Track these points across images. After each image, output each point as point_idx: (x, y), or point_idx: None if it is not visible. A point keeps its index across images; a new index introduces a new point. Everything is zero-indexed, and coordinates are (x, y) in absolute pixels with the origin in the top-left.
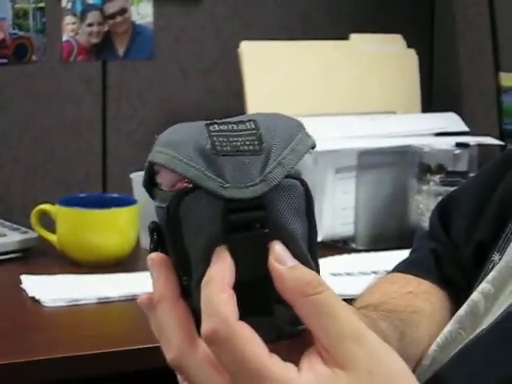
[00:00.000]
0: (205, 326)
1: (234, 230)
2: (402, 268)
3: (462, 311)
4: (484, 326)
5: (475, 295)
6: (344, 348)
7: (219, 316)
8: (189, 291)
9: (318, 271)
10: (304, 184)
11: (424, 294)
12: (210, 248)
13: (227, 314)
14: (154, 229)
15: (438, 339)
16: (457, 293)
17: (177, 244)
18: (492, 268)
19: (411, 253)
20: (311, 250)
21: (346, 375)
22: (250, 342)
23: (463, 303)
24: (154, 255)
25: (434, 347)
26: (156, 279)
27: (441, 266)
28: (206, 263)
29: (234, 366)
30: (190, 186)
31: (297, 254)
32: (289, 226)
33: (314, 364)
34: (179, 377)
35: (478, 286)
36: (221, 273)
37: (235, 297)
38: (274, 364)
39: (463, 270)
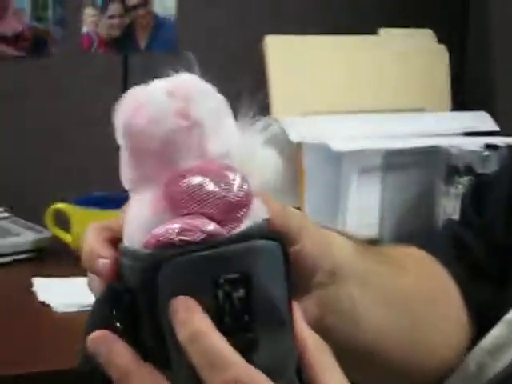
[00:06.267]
0: (223, 378)
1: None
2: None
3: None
4: None
5: None
6: None
7: (235, 364)
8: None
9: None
10: (281, 244)
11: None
12: None
13: (239, 358)
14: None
15: (483, 345)
16: (479, 274)
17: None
18: None
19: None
20: (290, 310)
21: None
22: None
23: (487, 287)
24: (97, 334)
25: (478, 352)
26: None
27: (465, 251)
28: None
29: None
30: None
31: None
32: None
33: None
34: None
35: None
36: (206, 322)
37: None
38: None
39: (497, 253)
